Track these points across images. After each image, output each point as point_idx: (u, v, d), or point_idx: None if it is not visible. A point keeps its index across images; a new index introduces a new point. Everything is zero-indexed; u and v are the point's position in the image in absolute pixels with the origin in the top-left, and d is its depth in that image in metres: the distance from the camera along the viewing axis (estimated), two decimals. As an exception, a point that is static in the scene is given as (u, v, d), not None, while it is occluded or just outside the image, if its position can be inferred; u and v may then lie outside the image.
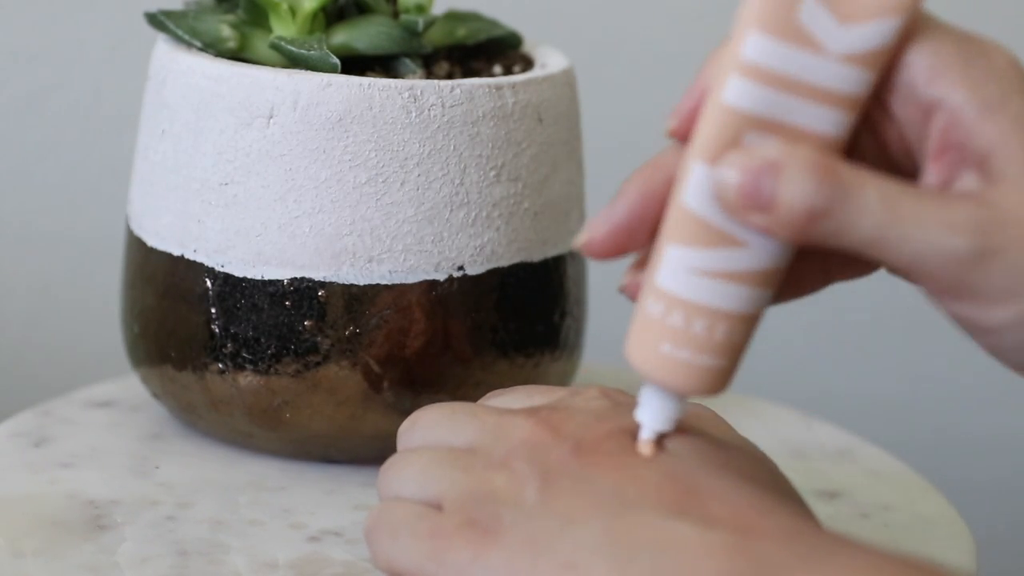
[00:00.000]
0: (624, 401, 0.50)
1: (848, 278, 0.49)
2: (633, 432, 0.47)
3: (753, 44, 0.43)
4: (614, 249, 0.46)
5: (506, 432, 0.48)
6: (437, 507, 0.47)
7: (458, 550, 0.45)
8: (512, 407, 0.51)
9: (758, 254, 0.44)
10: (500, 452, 0.48)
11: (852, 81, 0.44)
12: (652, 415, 0.47)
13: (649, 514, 0.44)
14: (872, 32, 0.43)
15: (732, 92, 0.43)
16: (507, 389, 0.54)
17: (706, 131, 0.44)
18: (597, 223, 0.46)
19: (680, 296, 0.45)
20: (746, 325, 0.45)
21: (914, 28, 0.44)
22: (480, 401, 0.53)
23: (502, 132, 0.61)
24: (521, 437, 0.48)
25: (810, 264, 0.47)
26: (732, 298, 0.45)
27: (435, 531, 0.46)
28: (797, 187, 0.42)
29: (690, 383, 0.46)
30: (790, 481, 0.49)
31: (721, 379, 0.46)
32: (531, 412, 0.49)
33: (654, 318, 0.45)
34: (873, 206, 0.42)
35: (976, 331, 0.45)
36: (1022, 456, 1.08)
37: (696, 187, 0.44)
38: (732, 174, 0.43)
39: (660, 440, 0.47)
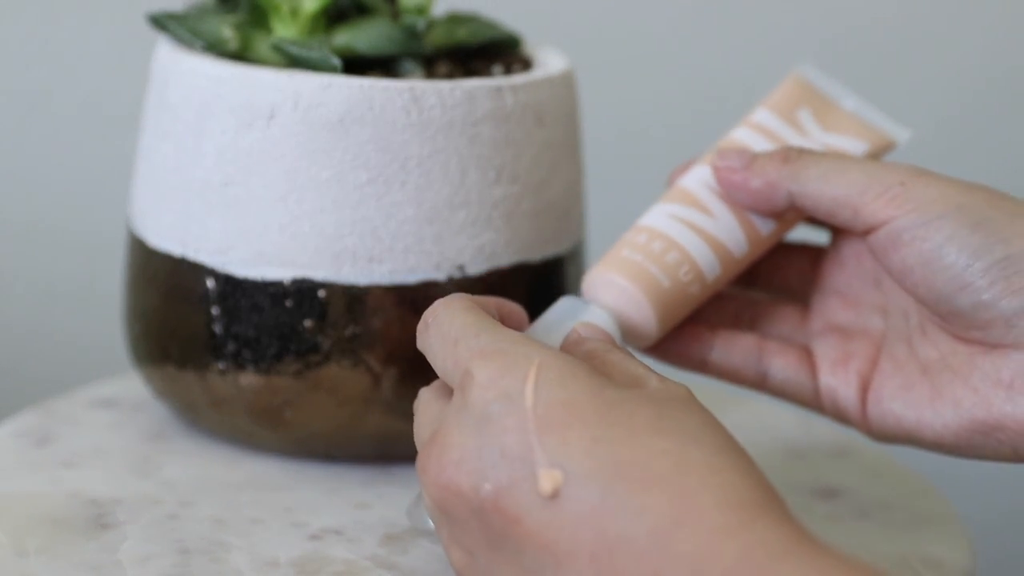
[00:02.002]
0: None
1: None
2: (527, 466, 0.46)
3: (759, 114, 0.61)
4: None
5: (423, 485, 0.49)
6: None
7: None
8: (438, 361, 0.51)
9: (719, 223, 0.58)
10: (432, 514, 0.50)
11: None
12: (594, 319, 0.55)
13: None
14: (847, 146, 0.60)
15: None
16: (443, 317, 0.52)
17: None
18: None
19: (650, 225, 0.58)
20: (691, 266, 0.57)
21: None
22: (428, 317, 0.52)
23: (502, 133, 0.61)
24: (430, 497, 0.49)
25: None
26: (688, 240, 0.58)
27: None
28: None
29: (635, 279, 0.57)
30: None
31: (655, 292, 0.57)
32: (424, 453, 0.49)
33: (624, 240, 0.58)
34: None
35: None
36: (1021, 455, 1.08)
37: (692, 174, 0.60)
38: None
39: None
